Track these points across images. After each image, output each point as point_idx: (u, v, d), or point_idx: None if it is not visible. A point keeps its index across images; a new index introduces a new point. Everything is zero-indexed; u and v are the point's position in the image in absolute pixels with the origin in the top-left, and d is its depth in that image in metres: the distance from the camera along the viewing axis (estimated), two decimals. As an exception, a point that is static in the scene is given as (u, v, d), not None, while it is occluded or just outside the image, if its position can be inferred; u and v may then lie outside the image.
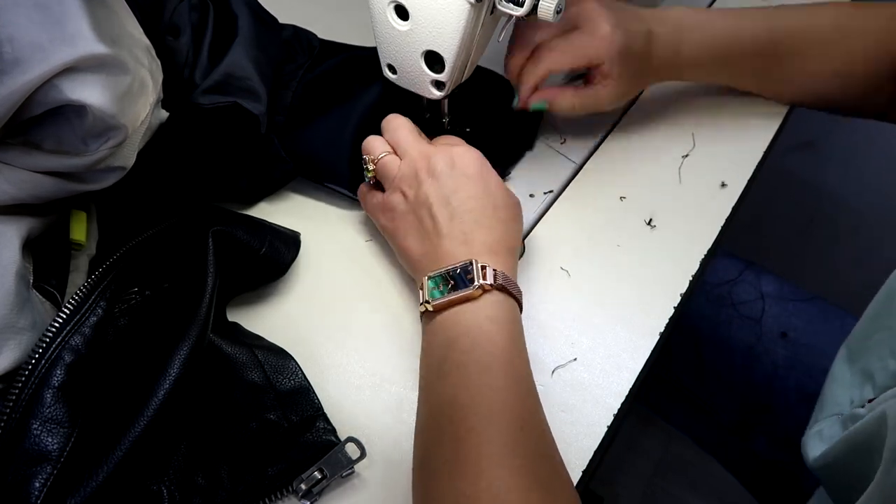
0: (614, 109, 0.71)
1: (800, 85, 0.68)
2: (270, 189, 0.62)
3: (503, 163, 0.65)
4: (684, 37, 0.62)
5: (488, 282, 0.46)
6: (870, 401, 0.50)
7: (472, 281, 0.46)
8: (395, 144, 0.55)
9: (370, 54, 0.60)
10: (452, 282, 0.47)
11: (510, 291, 0.48)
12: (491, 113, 0.66)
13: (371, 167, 0.56)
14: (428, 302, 0.47)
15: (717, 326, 0.76)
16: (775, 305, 0.75)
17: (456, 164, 0.52)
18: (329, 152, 0.59)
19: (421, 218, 0.51)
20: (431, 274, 0.48)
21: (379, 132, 0.58)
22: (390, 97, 0.60)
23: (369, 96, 0.60)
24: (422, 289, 0.48)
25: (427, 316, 0.48)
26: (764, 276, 0.78)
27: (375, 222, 0.56)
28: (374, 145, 0.56)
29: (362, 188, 0.58)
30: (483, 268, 0.47)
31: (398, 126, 0.56)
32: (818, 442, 0.54)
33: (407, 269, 0.54)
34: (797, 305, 0.75)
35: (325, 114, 0.60)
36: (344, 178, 0.59)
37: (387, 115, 0.59)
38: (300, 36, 0.65)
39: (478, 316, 0.46)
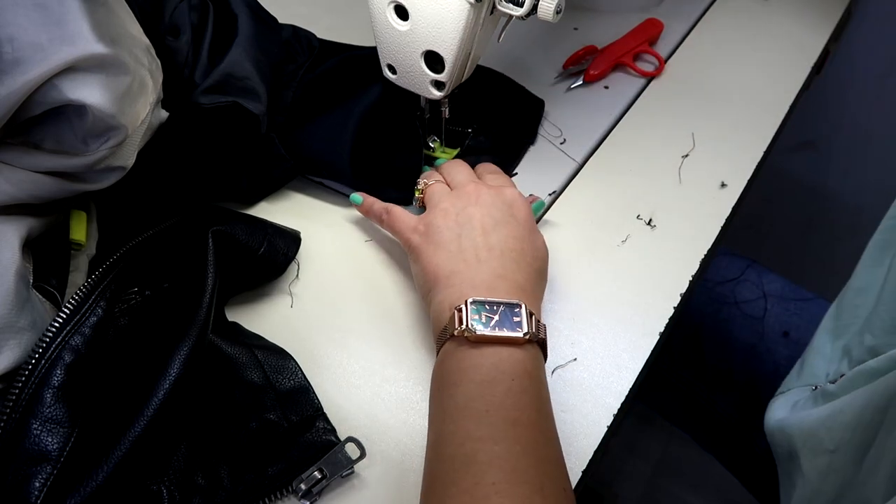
0: (613, 109, 0.71)
1: None
2: (271, 188, 0.62)
3: (510, 159, 0.65)
4: None
5: (534, 331, 0.44)
6: (842, 376, 0.51)
7: (518, 324, 0.44)
8: (450, 179, 0.55)
9: (370, 54, 0.60)
10: (496, 317, 0.44)
11: (545, 347, 0.46)
12: (493, 110, 0.66)
13: (420, 186, 0.56)
14: (469, 330, 0.43)
15: (719, 325, 0.76)
16: (777, 304, 0.75)
17: (506, 203, 0.51)
18: (330, 150, 0.59)
19: (458, 236, 0.50)
20: (477, 298, 0.45)
21: (380, 129, 0.58)
22: (391, 95, 0.60)
23: (371, 94, 0.60)
24: (460, 311, 0.44)
25: (456, 341, 0.45)
26: (766, 275, 0.78)
27: (403, 242, 0.54)
28: (430, 174, 0.57)
29: (396, 210, 0.56)
30: (531, 314, 0.44)
31: (456, 164, 0.57)
32: (784, 406, 0.55)
33: (423, 288, 0.51)
34: (799, 305, 0.75)
35: (326, 112, 0.60)
36: (345, 175, 0.59)
37: (388, 112, 0.59)
38: (300, 36, 0.65)
39: (517, 366, 0.43)
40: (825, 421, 0.49)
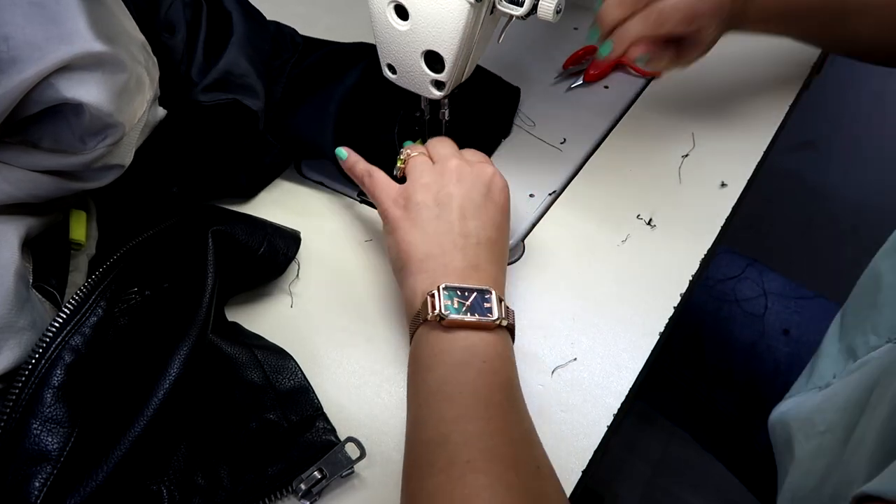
0: (613, 109, 0.71)
1: (868, 41, 0.66)
2: (265, 179, 0.63)
3: (483, 151, 0.65)
4: None
5: (504, 318, 0.45)
6: None
7: (489, 310, 0.45)
8: (434, 153, 0.55)
9: (352, 48, 0.61)
10: (467, 303, 0.45)
11: (513, 333, 0.47)
12: (468, 101, 0.66)
13: (403, 157, 0.55)
14: (441, 315, 0.45)
15: (719, 323, 0.76)
16: (778, 302, 0.75)
17: (485, 183, 0.51)
18: (315, 129, 0.59)
19: (437, 217, 0.50)
20: (449, 284, 0.46)
21: (363, 107, 0.58)
22: (373, 74, 0.60)
23: (351, 77, 0.60)
24: (433, 297, 0.45)
25: (429, 326, 0.46)
26: (767, 273, 0.78)
27: (381, 211, 0.53)
28: (414, 146, 0.57)
29: (379, 175, 0.55)
30: (500, 301, 0.46)
31: (441, 140, 0.56)
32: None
33: (396, 263, 0.51)
34: (800, 303, 0.75)
35: (310, 98, 0.61)
36: (329, 153, 0.59)
37: (371, 90, 0.60)
38: (283, 32, 0.65)
39: (489, 349, 0.44)
40: (820, 405, 0.49)
